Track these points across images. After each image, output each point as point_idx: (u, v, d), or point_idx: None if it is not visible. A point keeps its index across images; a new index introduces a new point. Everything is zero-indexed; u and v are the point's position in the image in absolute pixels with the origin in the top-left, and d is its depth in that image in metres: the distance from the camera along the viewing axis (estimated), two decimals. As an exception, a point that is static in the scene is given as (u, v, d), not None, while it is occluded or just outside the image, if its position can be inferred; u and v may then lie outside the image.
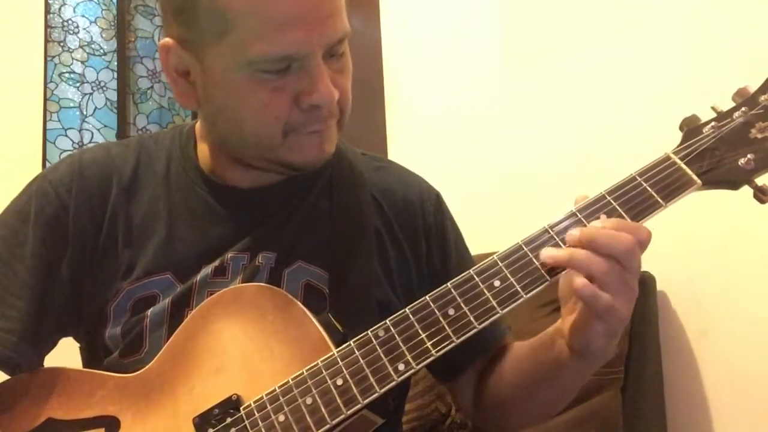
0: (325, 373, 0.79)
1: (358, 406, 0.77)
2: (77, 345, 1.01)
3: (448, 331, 0.77)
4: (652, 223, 0.77)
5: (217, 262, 0.93)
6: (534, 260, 0.77)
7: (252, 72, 0.83)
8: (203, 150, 0.99)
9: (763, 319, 1.44)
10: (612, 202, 0.78)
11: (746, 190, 0.78)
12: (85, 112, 2.76)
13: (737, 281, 1.48)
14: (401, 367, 0.77)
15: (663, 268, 1.51)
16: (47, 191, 0.95)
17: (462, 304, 0.78)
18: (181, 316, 0.90)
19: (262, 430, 0.79)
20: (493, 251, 0.80)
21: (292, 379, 0.79)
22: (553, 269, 0.77)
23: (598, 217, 0.77)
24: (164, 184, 0.98)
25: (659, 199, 0.77)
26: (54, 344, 0.96)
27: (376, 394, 0.77)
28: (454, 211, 1.08)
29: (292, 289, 0.92)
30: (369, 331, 0.79)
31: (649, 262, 1.07)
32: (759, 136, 0.78)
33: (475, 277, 0.78)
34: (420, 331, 0.78)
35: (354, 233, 0.97)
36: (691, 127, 0.81)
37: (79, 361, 1.00)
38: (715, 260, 1.52)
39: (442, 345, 0.77)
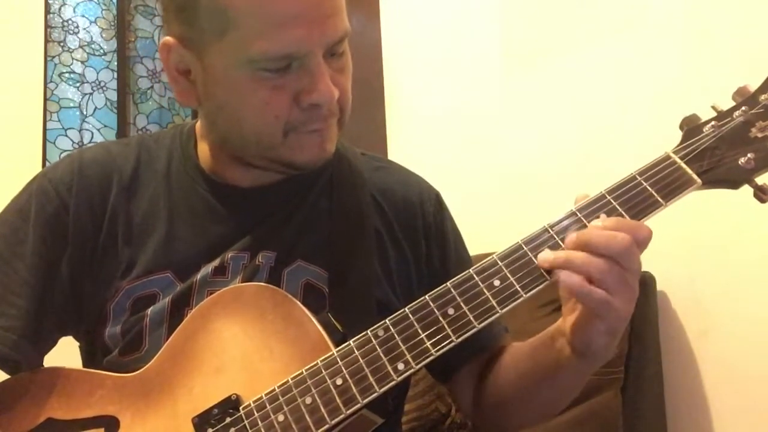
0: (324, 372, 0.78)
1: (358, 405, 0.77)
2: (77, 344, 1.01)
3: (448, 330, 0.77)
4: (652, 222, 0.77)
5: (217, 262, 0.93)
6: (534, 260, 0.77)
7: (252, 70, 0.83)
8: (204, 149, 0.99)
9: (763, 319, 1.44)
10: (612, 201, 0.78)
11: (746, 190, 0.78)
12: (85, 112, 2.76)
13: (737, 281, 1.48)
14: (401, 366, 0.77)
15: (663, 268, 1.51)
16: (47, 190, 0.95)
17: (461, 304, 0.77)
18: (181, 315, 0.90)
19: (262, 429, 0.78)
20: (493, 251, 0.79)
21: (292, 379, 0.79)
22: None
23: (598, 217, 0.77)
24: (165, 183, 0.98)
25: (659, 199, 0.77)
26: (54, 343, 0.96)
27: (375, 394, 0.77)
28: (454, 211, 1.08)
29: (292, 289, 0.92)
30: (368, 331, 0.79)
31: (649, 262, 1.07)
32: (759, 135, 0.78)
33: (474, 276, 0.78)
34: (419, 331, 0.78)
35: (354, 233, 0.97)
36: (691, 127, 0.81)
37: (79, 360, 1.00)
38: (715, 260, 1.51)
39: (442, 345, 0.77)
